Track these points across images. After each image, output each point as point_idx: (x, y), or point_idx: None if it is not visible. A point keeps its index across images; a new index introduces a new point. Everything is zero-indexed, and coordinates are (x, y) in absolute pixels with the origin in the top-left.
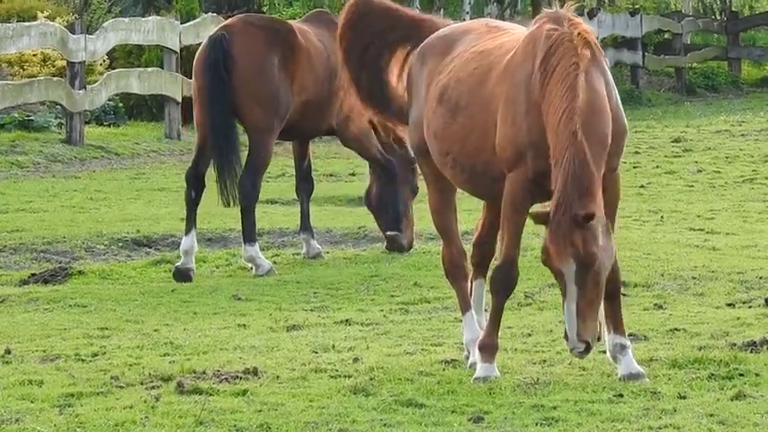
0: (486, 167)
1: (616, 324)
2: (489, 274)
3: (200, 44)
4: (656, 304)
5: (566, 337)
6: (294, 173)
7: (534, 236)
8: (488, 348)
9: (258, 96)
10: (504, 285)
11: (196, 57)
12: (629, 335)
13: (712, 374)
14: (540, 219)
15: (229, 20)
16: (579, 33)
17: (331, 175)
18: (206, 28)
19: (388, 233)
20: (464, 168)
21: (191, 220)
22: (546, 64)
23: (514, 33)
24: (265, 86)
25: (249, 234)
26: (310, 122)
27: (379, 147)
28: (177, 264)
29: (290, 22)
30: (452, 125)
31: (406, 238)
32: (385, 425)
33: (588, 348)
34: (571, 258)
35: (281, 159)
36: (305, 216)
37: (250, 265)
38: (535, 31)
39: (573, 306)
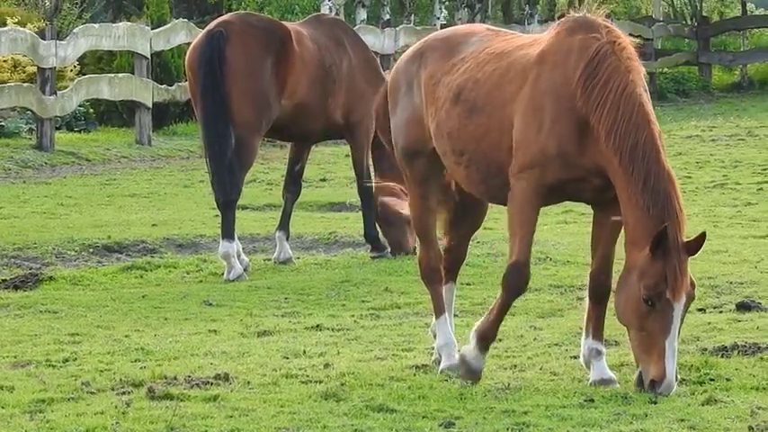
0: (501, 169)
1: (596, 329)
2: (503, 272)
3: (170, 50)
4: None
5: (658, 377)
6: (285, 174)
7: (505, 241)
8: (487, 338)
9: (249, 96)
10: (516, 284)
11: (191, 48)
12: None
13: (683, 379)
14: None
15: (228, 16)
16: (620, 43)
17: (302, 181)
18: (177, 33)
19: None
20: (479, 168)
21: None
22: (590, 75)
23: (528, 36)
24: (256, 87)
25: (228, 231)
26: (303, 124)
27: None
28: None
29: (287, 24)
30: (469, 125)
31: (410, 242)
32: (356, 430)
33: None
34: (684, 293)
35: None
36: (286, 216)
37: (224, 262)
38: (567, 39)
39: (675, 343)
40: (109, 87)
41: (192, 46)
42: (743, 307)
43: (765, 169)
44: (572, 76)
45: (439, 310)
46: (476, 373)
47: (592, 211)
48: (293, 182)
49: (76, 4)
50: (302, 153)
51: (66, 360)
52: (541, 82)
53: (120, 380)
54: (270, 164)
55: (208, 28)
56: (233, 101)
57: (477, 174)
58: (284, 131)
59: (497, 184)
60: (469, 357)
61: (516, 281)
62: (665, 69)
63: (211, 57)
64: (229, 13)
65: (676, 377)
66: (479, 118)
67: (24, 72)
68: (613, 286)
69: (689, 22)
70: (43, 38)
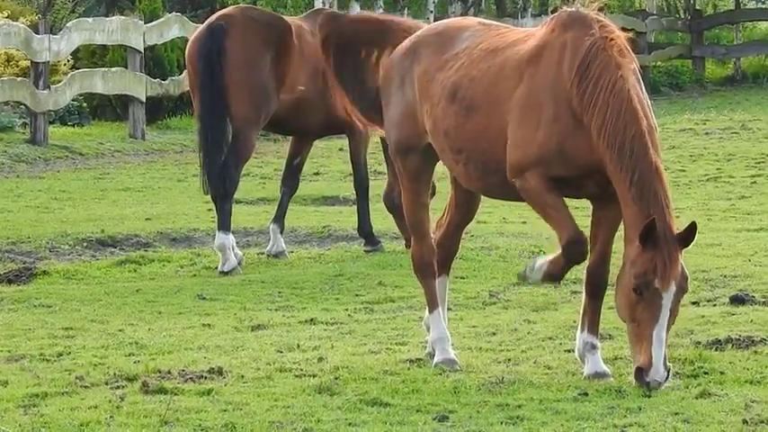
0: (500, 166)
1: (592, 323)
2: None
3: (164, 44)
4: None
5: (645, 365)
6: (284, 167)
7: (498, 235)
8: (554, 278)
9: (248, 89)
10: (576, 257)
11: (191, 40)
12: None
13: (677, 373)
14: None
15: (229, 9)
16: (612, 39)
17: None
18: (170, 28)
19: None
20: (477, 165)
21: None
22: (584, 73)
23: (521, 31)
24: (255, 80)
25: (224, 223)
26: (303, 118)
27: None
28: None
29: (288, 18)
30: (466, 124)
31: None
32: (350, 424)
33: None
34: (674, 282)
35: None
36: (282, 209)
37: (219, 253)
38: (561, 36)
39: (664, 333)
40: (102, 81)
41: (192, 38)
42: (736, 300)
43: (759, 162)
44: (567, 74)
45: (432, 304)
46: (527, 283)
47: (589, 206)
48: (291, 176)
49: None
50: (302, 148)
51: (60, 354)
52: (537, 80)
53: (114, 374)
54: (264, 158)
55: (209, 20)
56: (231, 94)
57: (476, 171)
58: (284, 125)
59: (496, 181)
60: (533, 277)
61: (575, 255)
62: (659, 63)
63: (211, 49)
64: (231, 7)
65: (666, 367)
66: (477, 117)
67: (18, 66)
68: (611, 281)
69: (682, 16)
70: (36, 32)
